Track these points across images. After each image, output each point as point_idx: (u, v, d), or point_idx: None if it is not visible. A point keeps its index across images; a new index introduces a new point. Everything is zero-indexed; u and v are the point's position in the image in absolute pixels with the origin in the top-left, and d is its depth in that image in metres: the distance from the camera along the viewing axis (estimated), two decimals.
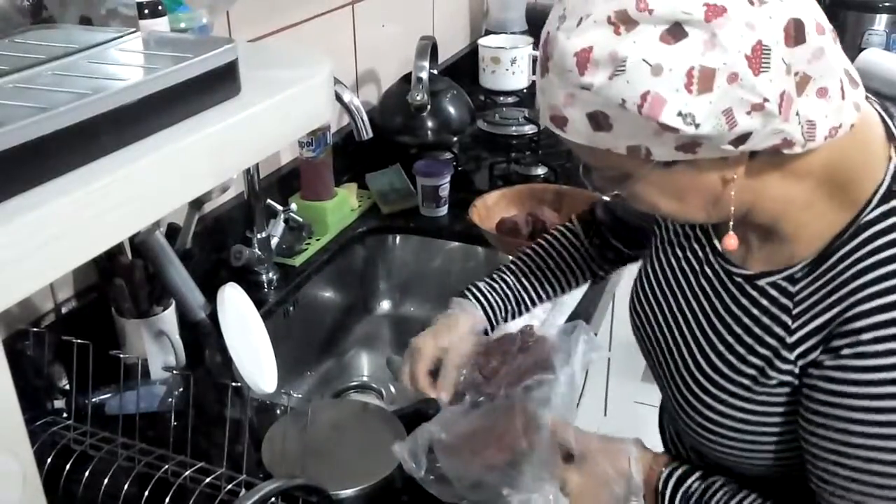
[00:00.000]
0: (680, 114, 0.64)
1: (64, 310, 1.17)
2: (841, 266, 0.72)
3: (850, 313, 0.71)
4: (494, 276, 1.12)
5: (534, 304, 1.13)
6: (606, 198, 0.77)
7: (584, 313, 1.37)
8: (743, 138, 0.66)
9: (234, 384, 1.01)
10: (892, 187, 0.71)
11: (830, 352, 0.72)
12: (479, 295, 1.09)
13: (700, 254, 0.87)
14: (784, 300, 0.77)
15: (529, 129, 2.03)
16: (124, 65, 0.66)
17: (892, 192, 0.71)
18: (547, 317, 1.38)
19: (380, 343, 1.65)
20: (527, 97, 2.22)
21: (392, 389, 1.48)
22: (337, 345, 1.60)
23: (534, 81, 2.19)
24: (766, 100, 0.64)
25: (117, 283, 1.13)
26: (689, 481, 0.85)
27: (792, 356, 0.76)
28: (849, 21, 2.56)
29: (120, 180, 0.57)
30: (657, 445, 0.99)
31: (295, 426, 1.04)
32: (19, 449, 0.49)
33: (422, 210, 1.68)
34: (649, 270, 0.94)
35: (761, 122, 0.65)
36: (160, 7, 0.75)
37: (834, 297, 0.72)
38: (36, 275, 0.51)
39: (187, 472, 0.95)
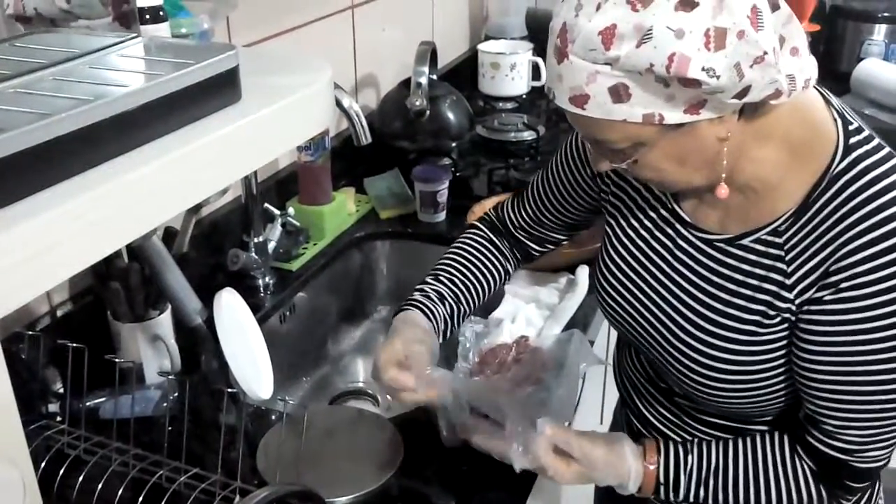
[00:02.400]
0: (703, 69, 0.72)
1: (59, 313, 1.17)
2: (824, 212, 0.82)
3: (843, 251, 0.81)
4: (426, 287, 1.11)
5: (466, 312, 1.13)
6: (611, 166, 0.85)
7: (580, 322, 1.37)
8: (746, 90, 0.75)
9: (229, 390, 1.00)
10: (848, 142, 0.83)
11: (829, 287, 0.82)
12: (420, 305, 1.08)
13: (669, 230, 0.95)
14: (775, 251, 0.86)
15: (528, 135, 2.03)
16: (125, 70, 0.66)
17: (849, 146, 0.83)
18: (543, 325, 1.38)
19: (376, 348, 1.64)
20: (526, 103, 2.22)
21: (388, 396, 1.47)
22: (333, 350, 1.59)
23: (533, 87, 2.20)
24: (765, 52, 0.74)
25: (113, 286, 1.13)
26: (683, 458, 0.93)
27: (791, 295, 0.85)
28: (848, 31, 2.57)
29: (121, 187, 0.56)
30: None
31: (290, 433, 1.03)
32: (19, 458, 0.48)
33: (420, 215, 1.68)
34: (617, 258, 1.00)
35: (761, 73, 0.75)
36: (161, 12, 0.75)
37: (824, 240, 0.82)
38: (37, 281, 0.51)
39: (181, 478, 0.95)
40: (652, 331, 0.97)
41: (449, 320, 1.10)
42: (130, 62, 0.68)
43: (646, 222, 0.98)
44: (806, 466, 0.90)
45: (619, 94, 0.76)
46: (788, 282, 0.85)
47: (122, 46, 0.71)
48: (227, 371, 1.04)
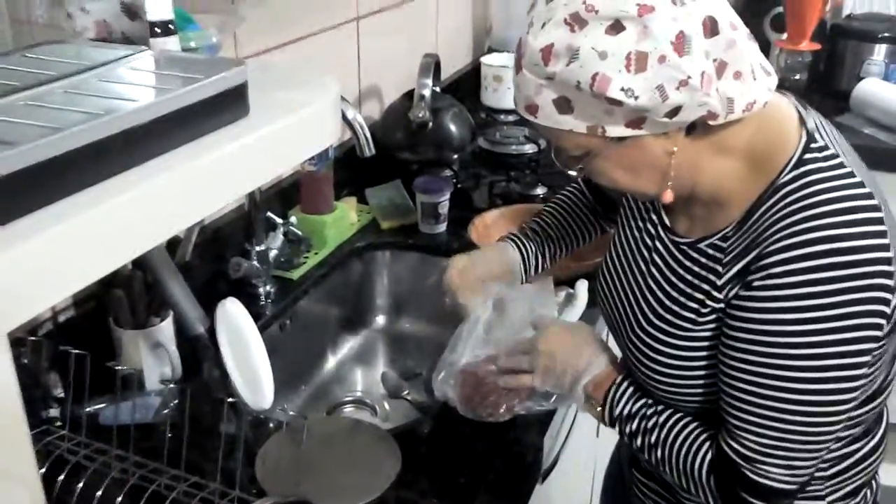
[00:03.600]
0: (622, 89, 0.79)
1: (61, 318, 1.17)
2: (760, 220, 0.86)
3: (763, 252, 0.84)
4: (526, 227, 1.29)
5: (561, 254, 1.30)
6: (572, 172, 0.93)
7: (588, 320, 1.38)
8: (676, 111, 0.81)
9: (229, 399, 1.01)
10: (803, 156, 0.86)
11: (745, 285, 0.87)
12: (515, 240, 1.26)
13: (653, 232, 1.02)
14: (717, 254, 0.92)
15: (530, 148, 2.05)
16: (135, 84, 0.67)
17: (802, 160, 0.86)
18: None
19: (375, 358, 1.65)
20: None
21: (386, 406, 1.48)
22: (332, 359, 1.60)
23: None
24: (689, 77, 0.79)
25: (116, 293, 1.14)
26: (630, 395, 1.00)
27: (721, 295, 0.90)
28: (848, 51, 2.59)
29: (129, 201, 0.57)
30: None
31: (289, 442, 1.04)
32: (28, 477, 0.49)
33: (421, 226, 1.69)
34: (613, 250, 1.09)
35: (688, 96, 0.80)
36: (171, 26, 0.76)
37: (753, 244, 0.87)
38: (46, 294, 0.51)
39: (181, 487, 0.95)
40: (621, 320, 1.04)
41: (540, 256, 1.27)
42: (140, 76, 0.69)
43: (638, 224, 1.05)
44: (709, 455, 0.91)
45: (562, 105, 0.84)
46: (719, 282, 0.90)
47: (131, 59, 0.72)
48: (227, 380, 1.05)
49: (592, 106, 0.82)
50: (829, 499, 0.99)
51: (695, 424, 0.94)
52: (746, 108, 0.84)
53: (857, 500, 1.02)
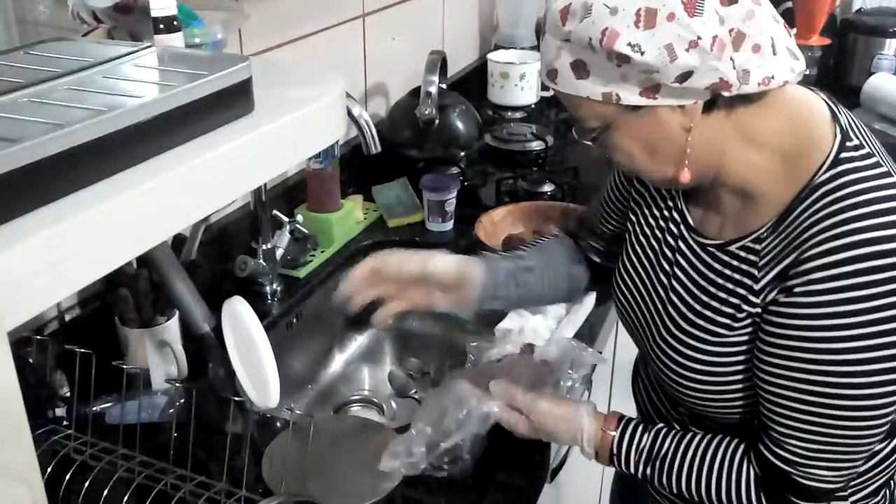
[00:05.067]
0: (629, 44, 0.79)
1: (67, 317, 1.17)
2: (798, 221, 0.84)
3: (803, 257, 0.82)
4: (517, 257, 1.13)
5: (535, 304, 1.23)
6: (588, 142, 0.90)
7: (587, 334, 1.37)
8: (686, 75, 0.80)
9: (236, 398, 1.01)
10: (839, 156, 0.84)
11: (785, 291, 0.84)
12: (490, 260, 1.09)
13: (676, 232, 0.99)
14: (752, 257, 0.89)
15: (537, 145, 2.04)
16: (139, 81, 0.66)
17: (838, 159, 0.84)
18: (550, 337, 1.37)
19: (381, 357, 1.64)
20: (535, 113, 2.23)
21: (393, 405, 1.47)
22: (339, 358, 1.59)
23: (542, 98, 2.21)
24: (699, 37, 0.78)
25: (122, 292, 1.13)
26: (639, 436, 0.96)
27: (758, 300, 0.88)
28: (858, 45, 2.57)
29: (134, 198, 0.57)
30: None
31: (296, 442, 1.03)
32: (29, 473, 0.48)
33: (427, 224, 1.68)
34: (631, 254, 1.05)
35: (698, 58, 0.78)
36: (176, 22, 0.75)
37: (791, 247, 0.84)
38: (51, 290, 0.51)
39: (187, 486, 0.95)
40: (644, 325, 1.02)
41: (511, 278, 1.08)
42: (144, 72, 0.69)
43: (660, 224, 1.01)
44: (752, 472, 0.90)
45: (579, 69, 0.84)
46: (757, 287, 0.88)
47: (135, 56, 0.71)
48: (233, 379, 1.05)
49: (607, 69, 0.82)
50: (853, 498, 0.98)
51: (724, 447, 0.92)
52: (763, 81, 0.81)
53: (878, 499, 1.01)
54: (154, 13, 0.74)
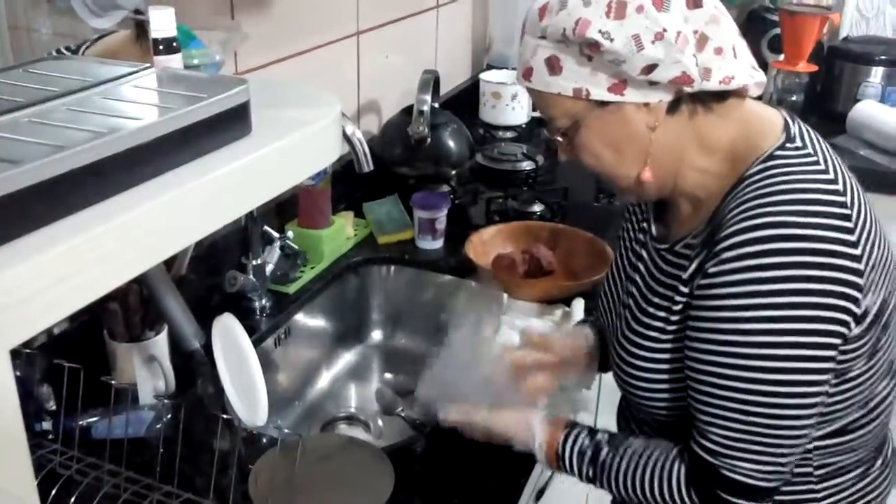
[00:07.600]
0: (600, 31, 0.84)
1: (56, 331, 1.16)
2: (723, 212, 0.88)
3: (718, 237, 0.85)
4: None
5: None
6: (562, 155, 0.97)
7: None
8: (651, 67, 0.84)
9: (224, 415, 1.00)
10: (774, 153, 0.88)
11: (704, 274, 0.87)
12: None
13: (643, 240, 1.04)
14: (688, 251, 0.93)
15: (527, 165, 2.05)
16: (138, 102, 0.67)
17: (773, 155, 0.88)
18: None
19: (369, 373, 1.64)
20: (526, 133, 2.24)
21: (380, 423, 1.47)
22: (326, 374, 1.59)
23: (533, 117, 2.23)
24: (665, 30, 0.83)
25: (111, 307, 1.13)
26: (581, 439, 0.99)
27: (686, 289, 0.91)
28: (845, 73, 2.60)
29: (131, 220, 0.57)
30: None
31: (283, 459, 1.03)
32: (27, 495, 0.49)
33: (417, 242, 1.69)
34: (612, 266, 1.12)
35: (663, 51, 0.83)
36: (175, 43, 0.76)
37: (713, 234, 0.87)
38: (47, 312, 0.51)
39: (173, 503, 0.94)
40: (612, 333, 1.06)
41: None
42: (143, 94, 0.69)
43: (634, 237, 1.07)
44: (683, 468, 0.92)
45: (552, 66, 0.88)
46: (685, 276, 0.91)
47: (134, 77, 0.72)
48: (222, 395, 1.05)
49: (579, 64, 0.87)
50: None
51: (661, 448, 0.94)
52: (724, 80, 0.86)
53: None
54: (154, 34, 0.74)
